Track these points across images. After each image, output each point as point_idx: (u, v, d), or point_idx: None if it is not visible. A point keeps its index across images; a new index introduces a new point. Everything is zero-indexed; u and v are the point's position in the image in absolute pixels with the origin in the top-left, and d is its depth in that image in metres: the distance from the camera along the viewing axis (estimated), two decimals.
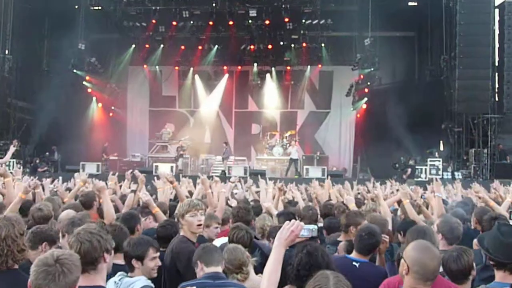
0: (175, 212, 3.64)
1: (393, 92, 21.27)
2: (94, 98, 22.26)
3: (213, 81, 24.09)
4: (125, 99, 23.94)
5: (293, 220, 2.17)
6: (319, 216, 4.92)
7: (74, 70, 20.76)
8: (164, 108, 24.47)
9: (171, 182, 5.18)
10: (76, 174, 6.89)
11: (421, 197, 6.48)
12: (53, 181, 7.89)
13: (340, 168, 22.46)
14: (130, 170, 7.01)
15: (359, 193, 8.27)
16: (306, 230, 2.14)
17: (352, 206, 4.70)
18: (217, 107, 24.61)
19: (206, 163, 21.47)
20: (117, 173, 6.85)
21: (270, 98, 23.83)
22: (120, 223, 3.42)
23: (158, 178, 6.36)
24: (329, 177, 7.72)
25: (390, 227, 4.36)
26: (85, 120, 21.53)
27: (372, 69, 21.13)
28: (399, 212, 5.61)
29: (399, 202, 5.46)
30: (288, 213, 4.45)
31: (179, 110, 24.73)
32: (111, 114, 23.14)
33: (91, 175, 8.48)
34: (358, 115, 23.31)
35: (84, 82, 21.28)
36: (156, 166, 18.80)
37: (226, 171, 19.05)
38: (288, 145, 21.82)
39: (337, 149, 24.00)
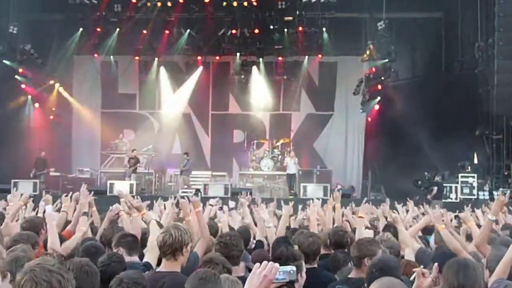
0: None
1: (413, 90, 21.46)
2: (29, 97, 22.27)
3: (184, 75, 24.17)
4: (69, 99, 23.99)
5: (264, 262, 2.17)
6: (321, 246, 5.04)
7: (4, 60, 20.68)
8: (120, 109, 24.50)
9: (138, 209, 5.34)
10: (9, 196, 7.05)
11: (452, 220, 6.77)
12: None
13: (346, 186, 22.48)
14: (83, 185, 7.03)
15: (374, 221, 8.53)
16: (283, 272, 2.15)
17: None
18: (189, 109, 24.78)
19: (175, 180, 21.38)
20: (70, 194, 6.88)
21: (257, 97, 24.05)
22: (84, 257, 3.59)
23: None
24: (337, 192, 7.63)
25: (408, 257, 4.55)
26: (17, 125, 21.35)
27: (386, 60, 21.30)
28: (431, 242, 5.81)
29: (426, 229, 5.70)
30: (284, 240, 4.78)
31: (140, 112, 24.87)
32: (51, 117, 23.08)
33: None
34: (369, 119, 23.51)
35: (17, 76, 21.28)
36: (112, 185, 18.87)
37: (202, 191, 19.17)
38: (280, 156, 22.05)
39: (342, 162, 24.14)
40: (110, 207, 6.43)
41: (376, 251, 4.00)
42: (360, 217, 5.73)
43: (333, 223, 6.85)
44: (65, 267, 2.38)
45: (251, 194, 17.34)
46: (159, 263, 4.18)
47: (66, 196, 6.83)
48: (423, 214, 9.21)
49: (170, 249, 3.71)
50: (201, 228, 4.68)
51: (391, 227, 6.11)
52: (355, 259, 4.10)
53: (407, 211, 9.39)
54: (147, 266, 4.21)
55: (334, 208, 7.16)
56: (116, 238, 4.80)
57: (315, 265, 4.65)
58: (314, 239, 4.84)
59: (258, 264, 2.18)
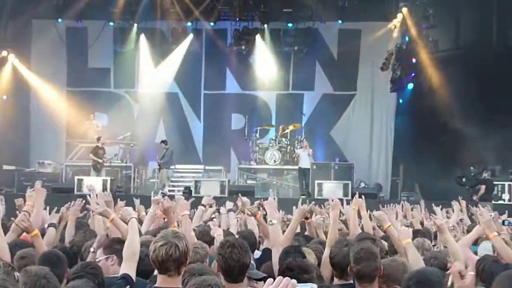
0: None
1: (456, 64, 21.42)
2: None
3: (170, 46, 24.19)
4: (27, 74, 23.74)
5: (279, 278, 2.28)
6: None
7: None
8: (91, 88, 24.62)
9: (103, 215, 5.50)
10: None
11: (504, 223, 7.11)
12: None
13: (372, 183, 22.76)
14: (38, 182, 7.08)
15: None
16: None
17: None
18: (176, 87, 24.85)
19: (160, 176, 21.37)
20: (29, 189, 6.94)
21: (261, 72, 24.25)
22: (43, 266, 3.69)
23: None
24: (359, 199, 7.72)
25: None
26: None
27: (424, 26, 21.35)
28: (479, 253, 5.96)
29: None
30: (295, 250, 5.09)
31: (115, 91, 25.00)
32: (4, 98, 22.92)
33: None
34: (401, 101, 23.63)
35: None
36: (80, 181, 18.88)
37: (193, 189, 19.19)
38: (289, 147, 22.04)
39: (366, 154, 24.19)
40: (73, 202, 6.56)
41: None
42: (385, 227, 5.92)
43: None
44: (13, 278, 2.51)
45: (253, 194, 17.42)
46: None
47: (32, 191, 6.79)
48: (471, 218, 9.47)
49: (175, 264, 3.81)
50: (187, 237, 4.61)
51: (422, 234, 6.44)
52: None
53: (448, 215, 9.54)
54: (127, 279, 4.21)
55: (359, 214, 7.44)
56: (107, 242, 4.91)
57: (351, 281, 4.74)
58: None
59: (270, 280, 2.26)
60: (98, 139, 20.77)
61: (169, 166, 20.98)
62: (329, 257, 5.03)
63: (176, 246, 3.80)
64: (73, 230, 6.54)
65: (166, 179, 20.71)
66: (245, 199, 7.79)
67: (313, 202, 8.22)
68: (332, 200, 6.25)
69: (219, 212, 9.23)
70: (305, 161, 20.54)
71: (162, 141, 21.30)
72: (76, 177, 19.44)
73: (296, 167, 21.13)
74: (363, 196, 7.81)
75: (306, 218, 7.22)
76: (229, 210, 9.01)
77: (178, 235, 3.88)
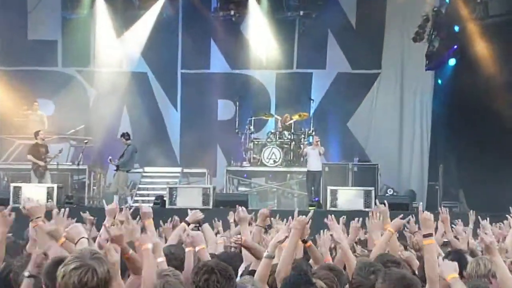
0: None
1: None
2: None
3: (136, 10, 24.41)
4: None
5: None
6: None
7: None
8: (32, 66, 24.63)
9: (52, 236, 5.59)
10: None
11: None
12: None
13: (403, 190, 22.79)
14: None
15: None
16: None
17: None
18: (145, 65, 24.92)
19: (115, 180, 21.16)
20: None
21: (257, 46, 24.46)
22: None
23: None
24: (381, 206, 8.16)
25: None
26: None
27: None
28: None
29: None
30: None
31: (64, 70, 25.10)
32: None
33: None
34: (440, 81, 23.59)
35: None
36: (17, 190, 18.77)
37: (167, 199, 19.08)
38: (292, 143, 21.96)
39: (395, 152, 24.19)
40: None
41: None
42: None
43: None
44: None
45: (246, 204, 17.28)
46: None
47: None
48: None
49: None
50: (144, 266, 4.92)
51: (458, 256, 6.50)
52: None
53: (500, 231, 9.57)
54: None
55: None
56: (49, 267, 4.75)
57: None
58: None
59: None
60: (36, 133, 20.62)
61: (129, 169, 21.01)
62: None
63: (94, 271, 3.76)
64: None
65: (124, 185, 20.76)
66: (242, 211, 7.89)
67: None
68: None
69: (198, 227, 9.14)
70: (315, 162, 20.60)
71: (122, 135, 21.44)
72: (12, 185, 19.29)
73: (304, 169, 21.22)
74: (386, 203, 8.17)
75: (304, 242, 7.09)
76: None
77: (98, 256, 3.86)
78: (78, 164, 21.51)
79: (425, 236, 5.87)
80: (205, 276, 4.47)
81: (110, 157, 21.03)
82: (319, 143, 20.60)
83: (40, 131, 20.73)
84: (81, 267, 3.76)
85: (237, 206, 8.28)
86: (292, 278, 5.27)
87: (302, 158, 21.48)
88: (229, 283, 4.49)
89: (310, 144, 21.09)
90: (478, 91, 20.95)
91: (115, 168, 20.93)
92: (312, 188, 20.58)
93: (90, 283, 3.75)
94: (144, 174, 22.53)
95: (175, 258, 6.44)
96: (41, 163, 20.13)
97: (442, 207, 11.32)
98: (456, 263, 5.35)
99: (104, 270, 3.80)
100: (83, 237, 4.99)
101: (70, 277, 3.75)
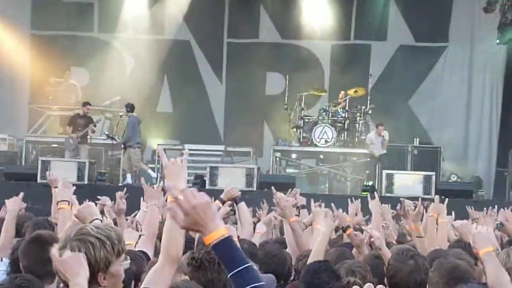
0: None
1: None
2: None
3: None
4: None
5: None
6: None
7: None
8: (65, 31, 24.68)
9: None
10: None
11: None
12: None
13: (468, 176, 22.84)
14: None
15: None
16: None
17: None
18: (188, 33, 24.96)
19: (124, 160, 21.26)
20: None
21: (310, 15, 24.37)
22: None
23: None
24: (437, 202, 8.17)
25: None
26: None
27: None
28: None
29: None
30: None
31: (99, 36, 25.16)
32: None
33: None
34: None
35: None
36: (46, 164, 18.96)
37: (208, 179, 19.45)
38: (346, 121, 22.05)
39: (460, 133, 24.32)
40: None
41: None
42: None
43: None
44: None
45: (293, 187, 17.76)
46: None
47: None
48: None
49: None
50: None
51: None
52: None
53: None
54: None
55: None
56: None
57: None
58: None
59: None
60: (84, 104, 20.92)
61: (137, 142, 20.85)
62: (387, 276, 5.25)
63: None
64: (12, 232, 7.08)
65: (138, 162, 20.75)
66: (280, 194, 7.86)
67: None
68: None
69: (234, 212, 9.52)
70: (379, 146, 21.27)
71: (127, 106, 21.15)
72: (40, 159, 19.59)
73: (359, 150, 21.87)
74: (446, 200, 8.28)
75: (344, 230, 7.48)
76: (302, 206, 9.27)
77: (84, 237, 3.68)
78: (113, 139, 21.63)
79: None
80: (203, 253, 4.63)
81: (106, 132, 21.29)
82: (382, 130, 21.09)
83: (88, 103, 21.10)
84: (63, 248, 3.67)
85: (272, 189, 8.24)
86: (313, 266, 5.57)
87: (357, 138, 21.88)
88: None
89: (374, 131, 21.52)
90: None
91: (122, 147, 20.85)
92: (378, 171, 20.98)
93: None
94: (184, 152, 22.41)
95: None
96: (74, 135, 20.47)
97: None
98: (493, 234, 5.23)
99: (92, 253, 3.67)
100: (96, 218, 4.88)
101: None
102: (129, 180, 19.66)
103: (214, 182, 19.22)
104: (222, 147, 23.08)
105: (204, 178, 19.66)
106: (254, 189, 18.55)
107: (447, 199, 8.31)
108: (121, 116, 21.75)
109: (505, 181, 22.43)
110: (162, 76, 24.94)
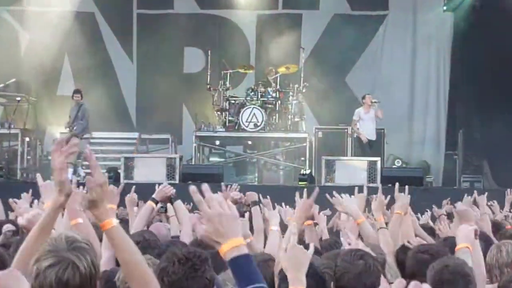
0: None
1: None
2: None
3: None
4: None
5: None
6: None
7: None
8: None
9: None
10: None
11: None
12: None
13: (414, 161, 23.28)
14: None
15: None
16: None
17: None
18: (91, 4, 24.91)
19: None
20: None
21: None
22: None
23: None
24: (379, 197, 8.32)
25: None
26: None
27: None
28: None
29: None
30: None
31: None
32: None
33: None
34: (462, 24, 23.76)
35: None
36: None
37: (122, 171, 19.60)
38: (279, 101, 22.07)
39: (404, 113, 24.62)
40: None
41: None
42: None
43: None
44: None
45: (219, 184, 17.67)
46: None
47: None
48: None
49: None
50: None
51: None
52: None
53: None
54: None
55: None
56: None
57: None
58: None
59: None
60: None
61: (83, 134, 20.87)
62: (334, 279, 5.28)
63: (75, 266, 3.77)
64: None
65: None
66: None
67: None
68: None
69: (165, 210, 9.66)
70: (370, 129, 21.39)
71: (76, 91, 21.47)
72: None
73: (293, 135, 21.96)
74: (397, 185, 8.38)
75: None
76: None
77: (77, 246, 3.82)
78: (9, 127, 21.46)
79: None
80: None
81: (74, 127, 20.93)
82: (374, 102, 21.31)
83: None
84: (58, 263, 3.75)
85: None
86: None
87: (290, 121, 21.83)
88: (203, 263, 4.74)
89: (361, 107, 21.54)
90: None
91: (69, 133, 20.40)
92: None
93: (72, 281, 3.76)
94: (92, 140, 22.20)
95: (150, 246, 6.64)
96: None
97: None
98: (473, 229, 5.91)
99: (87, 263, 3.79)
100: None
101: (45, 277, 3.74)
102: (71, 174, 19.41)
103: (129, 175, 19.31)
104: (135, 134, 23.12)
105: (118, 170, 19.69)
106: (177, 181, 18.51)
107: (397, 185, 8.36)
108: (18, 101, 21.74)
109: (455, 165, 22.82)
110: (62, 54, 24.71)
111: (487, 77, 22.40)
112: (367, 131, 21.27)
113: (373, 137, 21.32)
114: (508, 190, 12.37)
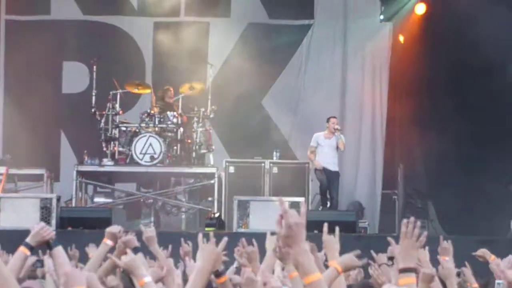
0: None
1: None
2: None
3: None
4: None
5: None
6: None
7: None
8: None
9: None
10: None
11: None
12: None
13: (345, 202, 23.11)
14: None
15: None
16: None
17: None
18: None
19: None
20: None
21: None
22: None
23: None
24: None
25: None
26: None
27: None
28: None
29: None
30: None
31: None
32: None
33: None
34: (401, 38, 23.71)
35: None
36: None
37: None
38: (180, 129, 21.66)
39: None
40: None
41: None
42: None
43: None
44: None
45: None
46: None
47: None
48: None
49: None
50: None
51: None
52: None
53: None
54: None
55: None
56: None
57: None
58: None
59: None
60: None
61: None
62: None
63: None
64: None
65: None
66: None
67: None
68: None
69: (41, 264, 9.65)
70: (329, 159, 21.20)
71: None
72: None
73: (199, 170, 21.79)
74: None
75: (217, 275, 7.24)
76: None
77: None
78: None
79: (402, 271, 5.98)
80: None
81: None
82: (338, 129, 20.92)
83: None
84: None
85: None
86: None
87: (195, 153, 21.27)
88: None
89: (323, 133, 21.22)
90: (459, 52, 21.48)
91: None
92: (329, 196, 21.05)
93: None
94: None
95: None
96: None
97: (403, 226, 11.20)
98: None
99: None
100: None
101: None
102: None
103: None
104: (1, 169, 21.85)
105: None
106: (54, 228, 17.31)
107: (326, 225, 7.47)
108: None
109: (393, 207, 22.61)
110: None
111: (438, 98, 22.52)
112: (325, 161, 20.98)
113: (333, 167, 21.08)
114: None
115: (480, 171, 21.35)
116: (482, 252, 10.05)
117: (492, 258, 9.60)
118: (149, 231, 8.84)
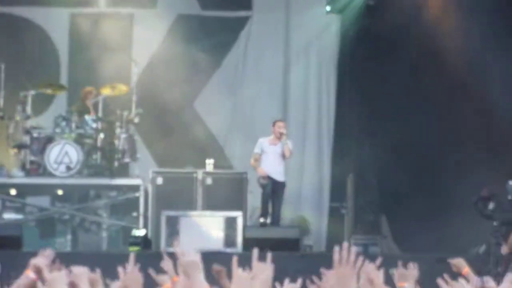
0: None
1: None
2: None
3: None
4: None
5: None
6: None
7: None
8: None
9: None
10: None
11: None
12: None
13: (286, 215, 22.41)
14: None
15: None
16: None
17: None
18: None
19: None
20: None
21: None
22: None
23: None
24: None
25: None
26: None
27: None
28: None
29: None
30: None
31: None
32: None
33: None
34: (352, 33, 23.50)
35: None
36: None
37: None
38: (100, 134, 21.42)
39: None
40: None
41: None
42: None
43: None
44: None
45: None
46: None
47: None
48: None
49: None
50: None
51: None
52: None
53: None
54: None
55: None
56: None
57: None
58: None
59: None
60: None
61: None
62: None
63: None
64: None
65: None
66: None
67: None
68: None
69: None
70: (274, 167, 20.97)
71: None
72: None
73: (123, 181, 21.59)
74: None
75: None
76: None
77: None
78: None
79: None
80: None
81: None
82: (285, 135, 20.72)
83: None
84: None
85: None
86: None
87: (116, 162, 20.96)
88: None
89: (267, 138, 21.16)
90: (411, 46, 21.73)
91: None
92: (270, 208, 20.77)
93: None
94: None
95: None
96: None
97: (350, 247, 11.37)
98: None
99: None
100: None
101: None
102: None
103: None
104: None
105: None
106: None
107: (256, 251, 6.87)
108: None
109: (342, 222, 22.56)
110: None
111: (385, 100, 22.40)
112: (270, 170, 20.73)
113: (279, 177, 20.76)
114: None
115: (440, 180, 21.47)
116: (458, 261, 10.32)
117: (465, 270, 9.95)
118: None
